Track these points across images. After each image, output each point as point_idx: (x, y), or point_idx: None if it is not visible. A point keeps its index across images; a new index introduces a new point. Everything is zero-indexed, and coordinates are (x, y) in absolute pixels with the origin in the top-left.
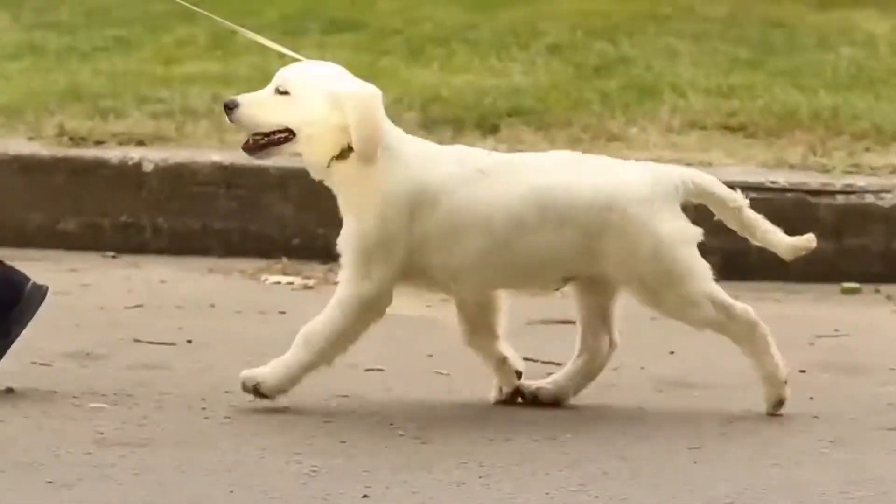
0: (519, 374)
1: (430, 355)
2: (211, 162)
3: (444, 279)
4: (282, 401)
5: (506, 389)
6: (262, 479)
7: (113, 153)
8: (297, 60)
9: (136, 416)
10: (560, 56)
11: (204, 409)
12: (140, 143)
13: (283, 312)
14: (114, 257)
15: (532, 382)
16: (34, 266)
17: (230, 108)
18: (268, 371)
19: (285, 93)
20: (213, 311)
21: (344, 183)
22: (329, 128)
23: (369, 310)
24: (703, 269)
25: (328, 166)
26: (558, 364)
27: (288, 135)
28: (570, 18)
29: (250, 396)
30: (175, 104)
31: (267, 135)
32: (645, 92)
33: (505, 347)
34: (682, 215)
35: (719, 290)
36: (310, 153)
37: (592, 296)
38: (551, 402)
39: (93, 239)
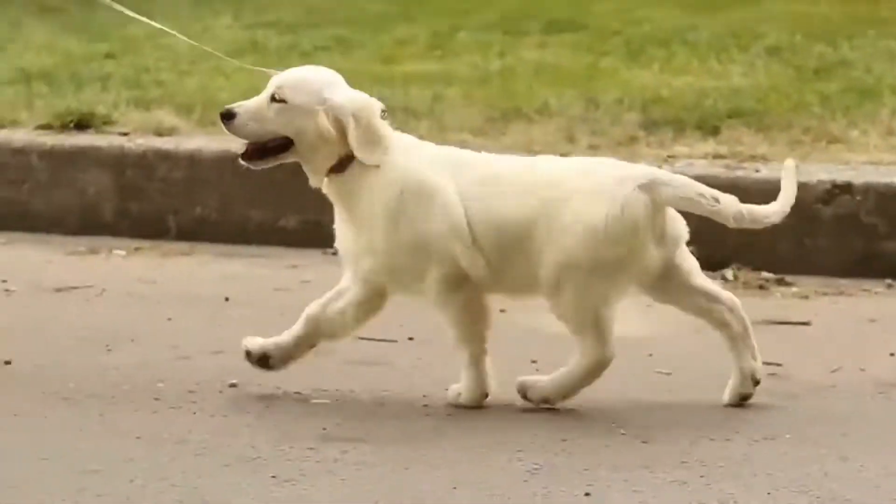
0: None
1: (650, 355)
2: None
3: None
4: (503, 397)
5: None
6: (484, 475)
7: None
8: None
9: (359, 411)
10: (779, 58)
11: (426, 405)
12: None
13: (503, 311)
14: (334, 254)
15: (728, 390)
16: (255, 262)
17: (227, 118)
18: (545, 381)
19: (282, 101)
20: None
21: (343, 193)
22: (326, 138)
23: (455, 291)
24: (612, 290)
25: (326, 176)
26: (779, 364)
27: (286, 143)
28: (788, 21)
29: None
30: (396, 103)
31: (265, 143)
32: (865, 94)
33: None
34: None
35: (610, 319)
36: (307, 162)
37: (667, 289)
38: (755, 385)
39: (313, 236)
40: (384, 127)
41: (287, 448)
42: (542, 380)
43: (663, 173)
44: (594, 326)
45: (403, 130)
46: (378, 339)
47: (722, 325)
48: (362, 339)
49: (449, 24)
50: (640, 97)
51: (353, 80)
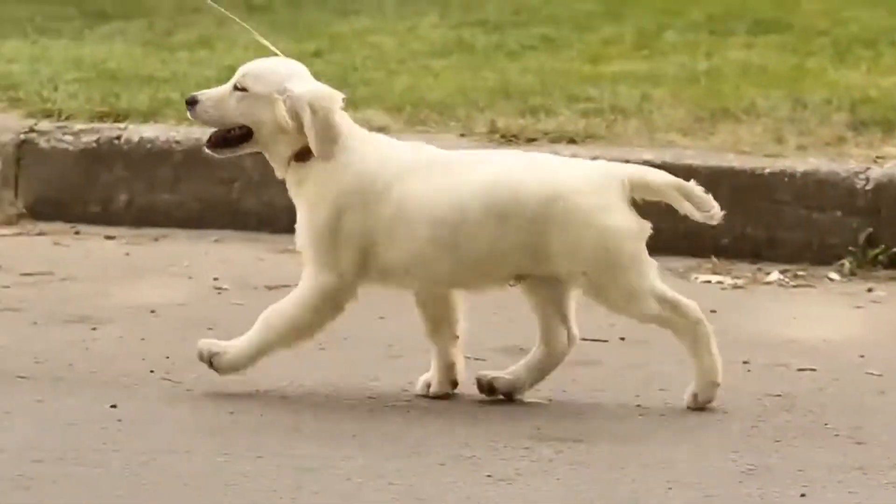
0: (455, 384)
1: (862, 356)
2: (643, 160)
3: (400, 275)
4: (716, 400)
5: (434, 389)
6: (699, 476)
7: (544, 151)
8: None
9: (572, 411)
10: None
11: (638, 405)
12: (571, 140)
13: (713, 311)
14: None
15: (489, 372)
16: None
17: (191, 104)
18: (228, 346)
19: (243, 89)
20: None
21: (302, 182)
22: (283, 128)
23: (328, 302)
24: (647, 265)
25: (288, 166)
26: None
27: (248, 132)
28: None
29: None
30: (604, 102)
31: (227, 132)
32: None
33: (457, 353)
34: (628, 210)
35: (663, 286)
36: (268, 152)
37: (543, 291)
38: (506, 392)
39: None
40: (342, 120)
41: (501, 447)
42: (696, 383)
43: (636, 166)
44: (660, 304)
45: (612, 130)
46: (590, 340)
47: (548, 345)
48: None
49: (655, 24)
50: (848, 97)
51: (561, 80)
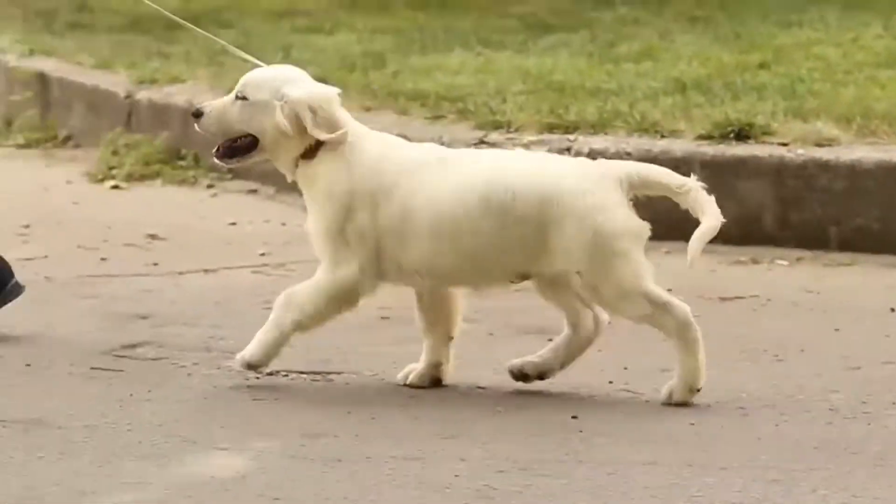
0: (437, 382)
1: None
2: None
3: (411, 273)
4: None
5: (412, 380)
6: None
7: None
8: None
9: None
10: None
11: None
12: None
13: None
14: None
15: (517, 360)
16: None
17: (196, 116)
18: (251, 347)
19: (244, 98)
20: None
21: (311, 180)
22: (284, 132)
23: (344, 294)
24: (640, 265)
25: (297, 167)
26: None
27: (252, 141)
28: None
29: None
30: None
31: (234, 141)
32: None
33: (447, 353)
34: (625, 208)
35: (655, 287)
36: (274, 157)
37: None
38: (538, 376)
39: None
40: (342, 115)
41: None
42: (673, 382)
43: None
44: (652, 305)
45: None
46: None
47: (574, 327)
48: None
49: None
50: None
51: None
